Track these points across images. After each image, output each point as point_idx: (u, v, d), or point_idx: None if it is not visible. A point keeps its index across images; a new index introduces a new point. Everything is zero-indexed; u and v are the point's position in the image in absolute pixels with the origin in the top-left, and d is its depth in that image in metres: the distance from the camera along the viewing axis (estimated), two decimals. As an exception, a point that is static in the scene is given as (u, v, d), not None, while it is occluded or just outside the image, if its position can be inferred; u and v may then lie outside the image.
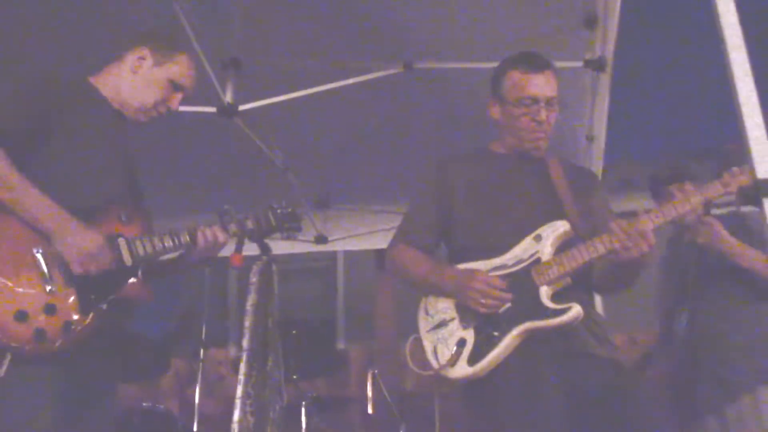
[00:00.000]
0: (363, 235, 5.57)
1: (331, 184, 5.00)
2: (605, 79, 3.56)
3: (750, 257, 2.88)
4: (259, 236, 2.46)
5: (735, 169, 2.00)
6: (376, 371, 4.39)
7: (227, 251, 2.83)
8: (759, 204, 1.46)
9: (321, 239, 5.52)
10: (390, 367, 5.09)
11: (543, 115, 2.27)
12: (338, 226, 5.56)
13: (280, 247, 5.33)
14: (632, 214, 2.06)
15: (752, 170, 1.45)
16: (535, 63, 2.30)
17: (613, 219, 2.15)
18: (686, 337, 3.06)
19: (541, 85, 2.27)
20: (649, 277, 2.31)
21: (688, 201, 2.05)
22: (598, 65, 3.44)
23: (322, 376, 5.13)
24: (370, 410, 4.24)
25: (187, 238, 2.24)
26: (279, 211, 2.48)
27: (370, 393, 4.29)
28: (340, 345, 7.83)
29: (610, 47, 3.38)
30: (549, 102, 2.28)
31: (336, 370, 5.38)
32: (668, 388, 3.19)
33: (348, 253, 8.04)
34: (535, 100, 2.27)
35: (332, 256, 8.40)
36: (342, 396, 5.14)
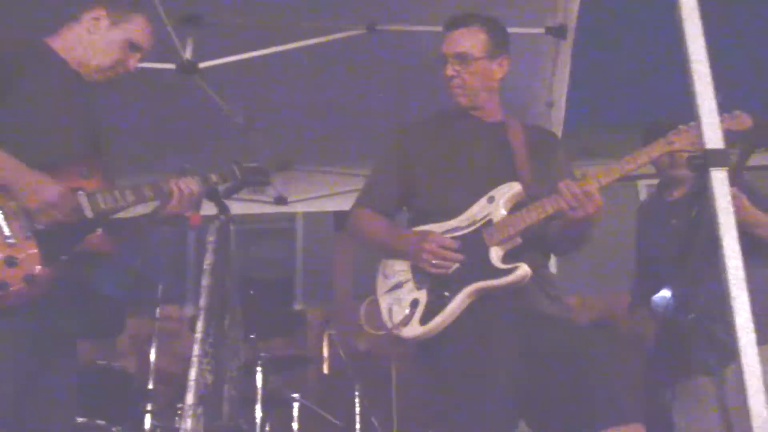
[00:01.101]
0: (323, 197, 5.58)
1: (292, 145, 4.96)
2: (566, 47, 3.59)
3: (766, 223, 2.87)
4: (226, 192, 2.45)
5: (681, 127, 2.03)
6: (332, 332, 4.43)
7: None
8: (706, 174, 1.50)
9: (281, 200, 5.51)
10: (347, 328, 5.14)
11: (448, 71, 2.34)
12: (298, 187, 5.55)
13: (239, 207, 5.31)
14: (582, 176, 2.10)
15: (701, 141, 1.49)
16: (448, 22, 2.40)
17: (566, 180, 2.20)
18: (671, 313, 3.07)
19: (450, 42, 2.36)
20: (602, 241, 2.36)
21: (633, 160, 2.09)
22: (559, 32, 3.46)
23: (279, 336, 5.15)
24: (325, 370, 4.29)
25: (150, 194, 2.23)
26: (244, 165, 2.48)
27: (326, 353, 4.34)
28: (298, 306, 7.86)
29: (573, 15, 3.40)
30: (458, 57, 2.33)
31: (293, 330, 5.41)
32: (654, 349, 3.26)
33: (307, 215, 8.02)
34: (445, 58, 2.35)
35: (291, 217, 8.38)
36: (298, 356, 5.18)
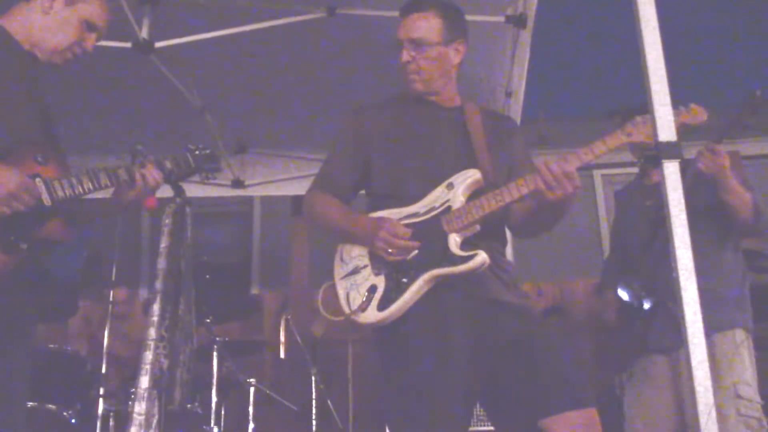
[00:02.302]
0: (281, 181, 5.54)
1: (250, 128, 4.92)
2: (526, 36, 3.61)
3: (742, 193, 2.94)
4: (178, 177, 2.42)
5: (638, 118, 2.06)
6: (289, 317, 4.42)
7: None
8: (659, 165, 1.53)
9: (238, 183, 5.46)
10: (303, 313, 5.13)
11: (404, 56, 2.33)
12: (256, 171, 5.50)
13: (195, 190, 5.25)
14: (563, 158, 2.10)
15: (654, 133, 1.52)
16: (406, 7, 2.39)
17: (531, 165, 2.22)
18: (635, 298, 3.12)
19: (404, 28, 2.35)
20: (557, 229, 2.38)
21: (591, 151, 2.10)
22: (519, 21, 3.48)
23: (236, 321, 5.12)
24: (282, 355, 4.29)
25: (106, 181, 2.19)
26: (197, 152, 2.45)
27: (282, 338, 4.33)
28: (255, 290, 7.81)
29: (532, 4, 3.42)
30: (413, 43, 2.33)
31: (249, 314, 5.39)
32: (614, 331, 3.32)
33: (265, 199, 7.96)
34: (400, 43, 2.35)
35: (249, 201, 8.30)
36: (254, 340, 5.16)
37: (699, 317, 1.46)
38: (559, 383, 2.02)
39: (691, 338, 1.42)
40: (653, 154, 1.56)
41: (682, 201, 1.55)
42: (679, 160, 1.57)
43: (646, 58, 1.59)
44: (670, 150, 1.55)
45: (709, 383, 1.47)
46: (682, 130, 2.54)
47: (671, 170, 1.57)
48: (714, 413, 1.46)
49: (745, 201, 2.94)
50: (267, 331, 5.87)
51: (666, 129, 1.55)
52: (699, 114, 2.23)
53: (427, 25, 2.33)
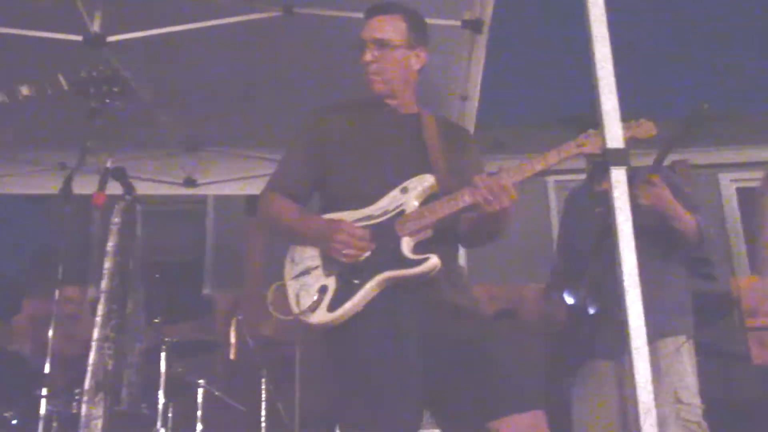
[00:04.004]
0: (234, 180, 5.49)
1: (203, 126, 4.85)
2: (482, 41, 3.64)
3: (687, 219, 2.98)
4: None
5: (591, 131, 2.09)
6: (239, 317, 4.38)
7: (90, 189, 2.70)
8: (607, 171, 1.55)
9: (190, 182, 5.39)
10: (255, 314, 5.09)
11: (367, 56, 2.34)
12: (209, 169, 5.44)
13: (147, 187, 5.18)
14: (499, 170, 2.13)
15: (603, 140, 1.54)
16: (372, 9, 2.40)
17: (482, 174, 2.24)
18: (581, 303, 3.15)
19: (369, 28, 2.36)
20: (510, 234, 2.40)
21: (544, 160, 2.12)
22: (475, 26, 3.50)
23: (187, 321, 5.06)
24: (231, 356, 4.24)
25: None
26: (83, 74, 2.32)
27: (233, 339, 4.29)
28: (207, 290, 7.73)
29: (488, 9, 3.45)
30: (377, 43, 2.34)
31: (201, 315, 5.33)
32: (562, 335, 3.33)
33: (219, 198, 7.90)
34: (363, 43, 2.35)
35: (203, 200, 8.23)
36: (204, 341, 5.09)
37: (642, 321, 1.48)
38: (507, 386, 2.03)
39: (633, 341, 1.44)
40: (601, 160, 1.59)
41: (629, 207, 1.57)
42: (626, 167, 1.60)
43: (596, 67, 1.61)
44: (618, 157, 1.58)
45: (650, 386, 1.50)
46: (633, 143, 2.60)
47: (619, 177, 1.59)
48: (654, 414, 1.49)
49: (691, 226, 3.01)
50: (219, 331, 5.81)
51: (614, 136, 1.58)
52: (648, 128, 2.28)
53: (392, 27, 2.35)
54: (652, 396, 1.47)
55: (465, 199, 2.13)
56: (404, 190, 2.22)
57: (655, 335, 2.97)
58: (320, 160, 2.36)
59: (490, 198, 2.07)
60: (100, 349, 2.44)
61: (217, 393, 4.27)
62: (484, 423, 2.00)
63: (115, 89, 2.33)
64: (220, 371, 5.55)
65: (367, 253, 2.14)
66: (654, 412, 1.48)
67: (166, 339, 3.94)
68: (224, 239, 8.18)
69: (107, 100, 2.31)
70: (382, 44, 2.33)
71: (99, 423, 2.41)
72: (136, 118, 4.28)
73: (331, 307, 2.11)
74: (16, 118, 2.85)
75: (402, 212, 2.19)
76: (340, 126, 2.39)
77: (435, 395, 2.10)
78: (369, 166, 2.30)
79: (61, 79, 2.20)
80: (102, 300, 2.48)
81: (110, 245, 2.65)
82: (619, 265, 1.52)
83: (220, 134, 4.97)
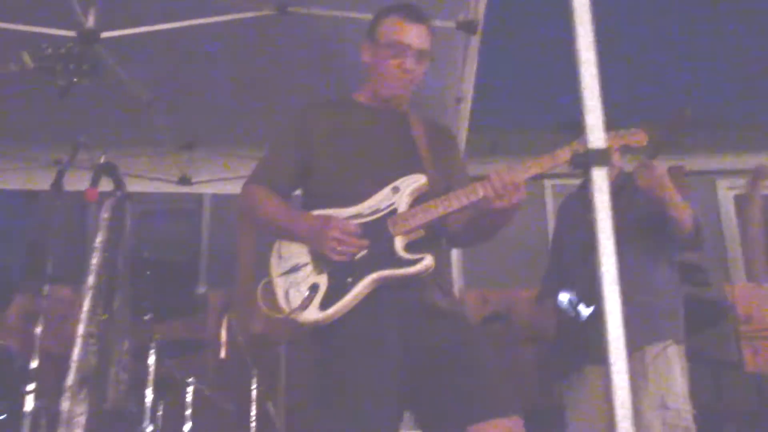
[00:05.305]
0: (229, 179, 5.47)
1: (199, 124, 4.85)
2: (475, 42, 3.63)
3: (682, 207, 2.96)
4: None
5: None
6: (231, 316, 4.37)
7: (84, 185, 2.69)
8: (589, 171, 1.55)
9: (184, 181, 5.38)
10: (246, 311, 5.08)
11: (410, 63, 2.30)
12: (204, 168, 5.43)
13: (140, 185, 5.17)
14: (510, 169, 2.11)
15: (584, 140, 1.54)
16: (414, 13, 2.35)
17: (467, 179, 2.23)
18: (573, 309, 3.14)
19: (415, 35, 2.31)
20: (506, 237, 2.39)
21: (539, 164, 2.12)
22: (469, 27, 3.49)
23: (179, 319, 5.03)
24: (222, 355, 4.23)
25: None
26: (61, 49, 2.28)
27: (224, 338, 4.28)
28: (201, 289, 7.70)
29: (481, 10, 3.44)
30: (420, 54, 2.32)
31: (194, 313, 5.31)
32: (554, 340, 3.34)
33: (215, 197, 7.88)
34: (407, 48, 2.30)
35: (199, 198, 8.21)
36: (194, 339, 5.08)
37: (620, 325, 1.47)
38: (488, 391, 2.03)
39: (611, 344, 1.43)
40: (583, 161, 1.58)
41: (609, 208, 1.57)
42: (607, 167, 1.59)
43: (580, 66, 1.61)
44: (599, 157, 1.57)
45: (627, 390, 1.49)
46: (623, 151, 2.59)
47: (600, 177, 1.58)
48: (629, 414, 1.48)
49: (687, 214, 2.99)
50: (211, 330, 5.80)
51: (596, 136, 1.57)
52: (640, 137, 2.27)
53: (429, 39, 2.35)
54: (628, 397, 1.47)
55: (471, 197, 2.12)
56: (395, 189, 2.21)
57: (644, 341, 2.98)
58: (306, 156, 2.33)
59: (502, 193, 2.05)
60: (83, 345, 2.42)
61: (207, 392, 4.25)
62: (464, 427, 1.99)
63: (84, 67, 2.23)
64: (212, 370, 5.53)
65: (364, 252, 2.13)
66: (630, 412, 1.47)
67: (156, 336, 3.92)
68: (220, 238, 8.16)
69: (74, 79, 2.24)
70: (422, 55, 2.32)
71: (82, 419, 2.40)
72: (130, 115, 4.29)
73: (324, 306, 2.10)
74: (10, 113, 2.84)
75: (394, 211, 2.18)
76: (327, 122, 2.37)
77: (417, 397, 2.09)
78: (357, 163, 2.29)
79: (26, 56, 2.14)
80: (88, 297, 2.46)
81: (98, 241, 2.64)
82: (598, 264, 1.51)
83: (216, 133, 4.96)
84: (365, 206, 2.21)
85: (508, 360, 4.57)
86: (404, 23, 2.32)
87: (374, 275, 2.10)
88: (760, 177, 5.05)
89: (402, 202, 2.19)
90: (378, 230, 2.15)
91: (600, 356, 2.99)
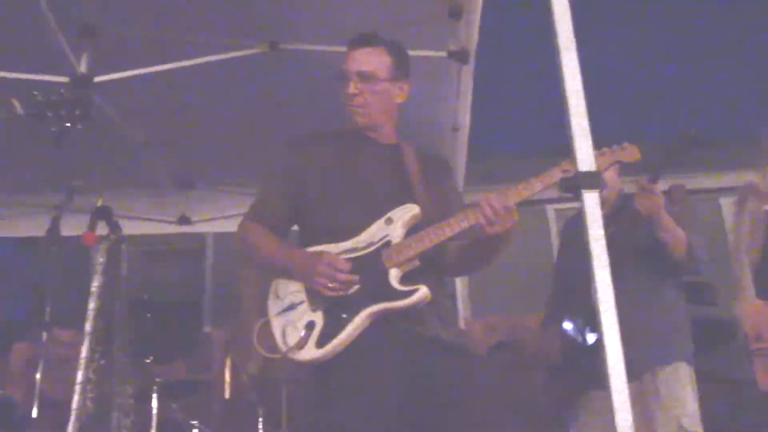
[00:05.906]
0: (230, 217, 5.46)
1: (196, 163, 4.85)
2: (468, 71, 3.64)
3: (675, 230, 2.96)
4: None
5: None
6: (234, 356, 4.33)
7: (81, 230, 2.67)
8: (579, 194, 1.52)
9: (184, 220, 5.37)
10: (243, 352, 5.04)
11: (350, 88, 2.31)
12: (204, 206, 5.43)
13: (140, 227, 5.16)
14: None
15: (574, 164, 1.52)
16: (358, 39, 2.37)
17: (463, 207, 2.21)
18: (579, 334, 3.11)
19: (353, 60, 2.33)
20: (511, 263, 2.37)
21: (530, 187, 2.09)
22: (461, 56, 3.50)
23: (181, 360, 5.00)
24: (227, 394, 4.18)
25: None
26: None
27: (228, 377, 4.23)
28: (206, 328, 7.67)
29: (473, 39, 3.45)
30: (360, 76, 2.31)
31: (196, 353, 5.28)
32: (560, 365, 3.30)
33: (218, 236, 7.89)
34: (346, 74, 2.32)
35: (201, 238, 8.21)
36: (197, 380, 5.03)
37: (618, 347, 1.44)
38: (483, 424, 2.01)
39: (610, 360, 1.40)
40: (573, 184, 1.56)
41: (601, 229, 1.54)
42: (598, 190, 1.57)
43: (566, 89, 1.59)
44: (589, 180, 1.55)
45: (629, 413, 1.46)
46: (617, 167, 2.57)
47: (591, 199, 1.56)
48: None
49: (679, 238, 2.97)
50: (216, 370, 5.75)
51: (585, 159, 1.55)
52: (633, 152, 2.25)
53: (377, 61, 2.33)
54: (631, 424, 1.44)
55: (462, 224, 2.10)
56: (389, 221, 2.18)
57: (654, 363, 2.94)
58: (299, 190, 2.32)
59: (493, 219, 2.04)
60: (83, 391, 2.39)
61: (212, 434, 4.20)
62: None
63: (77, 112, 2.21)
64: (217, 411, 5.47)
65: (357, 286, 2.10)
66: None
67: (158, 379, 3.88)
68: (224, 277, 8.14)
69: (68, 124, 2.23)
70: (366, 77, 2.31)
71: (83, 468, 2.35)
72: (127, 157, 4.29)
73: (320, 343, 2.07)
74: (4, 160, 2.84)
75: (388, 243, 2.15)
76: (319, 156, 2.36)
77: (416, 429, 2.05)
78: (351, 197, 2.27)
79: (15, 103, 2.14)
80: (85, 342, 2.43)
81: (94, 286, 2.62)
82: (594, 289, 1.49)
83: (213, 171, 4.96)
84: (360, 240, 2.18)
85: (517, 386, 4.50)
86: (349, 52, 2.36)
87: (369, 310, 2.08)
88: (748, 194, 5.02)
89: (395, 234, 2.16)
90: (372, 263, 2.13)
91: (605, 381, 2.97)
